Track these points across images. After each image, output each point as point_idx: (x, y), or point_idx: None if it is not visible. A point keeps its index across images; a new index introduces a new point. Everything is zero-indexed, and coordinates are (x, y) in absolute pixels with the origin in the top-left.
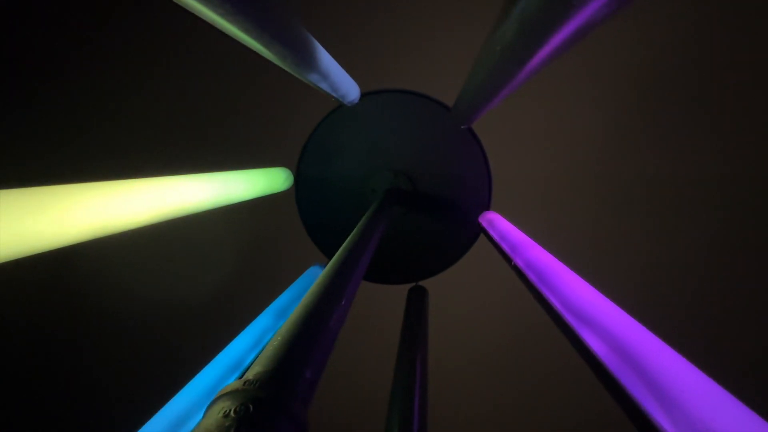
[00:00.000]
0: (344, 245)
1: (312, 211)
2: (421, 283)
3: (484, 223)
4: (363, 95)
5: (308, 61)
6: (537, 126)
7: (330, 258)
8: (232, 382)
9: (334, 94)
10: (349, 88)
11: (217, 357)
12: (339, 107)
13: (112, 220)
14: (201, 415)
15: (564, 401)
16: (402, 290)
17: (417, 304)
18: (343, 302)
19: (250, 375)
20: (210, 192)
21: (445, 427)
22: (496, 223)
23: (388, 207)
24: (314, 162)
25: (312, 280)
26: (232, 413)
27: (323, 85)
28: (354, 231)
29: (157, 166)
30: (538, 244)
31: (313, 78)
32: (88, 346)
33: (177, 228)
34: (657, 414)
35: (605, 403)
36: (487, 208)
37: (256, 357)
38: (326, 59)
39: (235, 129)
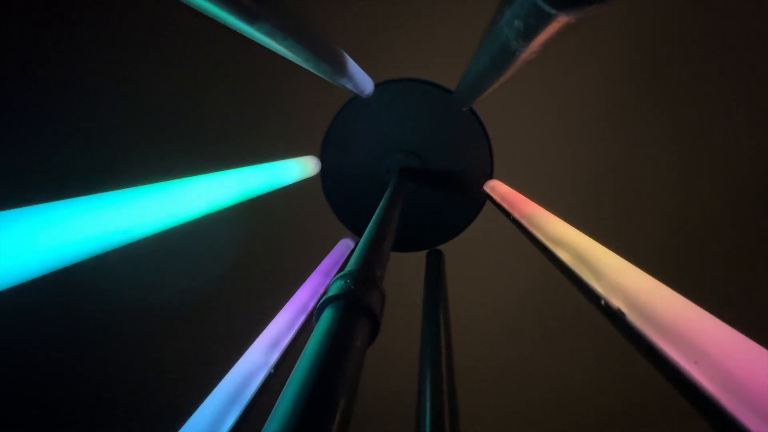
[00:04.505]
0: (374, 218)
1: (336, 193)
2: (437, 248)
3: (488, 190)
4: (375, 86)
5: (340, 70)
6: (538, 98)
7: (355, 233)
8: (337, 276)
9: (354, 90)
10: (366, 84)
11: (285, 306)
12: (353, 99)
13: (151, 221)
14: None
15: (577, 343)
16: (420, 257)
17: (435, 265)
18: (383, 248)
19: (346, 271)
20: (256, 180)
21: (469, 371)
22: (498, 188)
23: (403, 184)
24: (335, 149)
25: (345, 249)
26: (348, 282)
27: (348, 86)
28: (380, 206)
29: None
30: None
31: (342, 81)
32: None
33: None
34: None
35: (618, 344)
36: (491, 177)
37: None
38: (352, 65)
39: (259, 123)
